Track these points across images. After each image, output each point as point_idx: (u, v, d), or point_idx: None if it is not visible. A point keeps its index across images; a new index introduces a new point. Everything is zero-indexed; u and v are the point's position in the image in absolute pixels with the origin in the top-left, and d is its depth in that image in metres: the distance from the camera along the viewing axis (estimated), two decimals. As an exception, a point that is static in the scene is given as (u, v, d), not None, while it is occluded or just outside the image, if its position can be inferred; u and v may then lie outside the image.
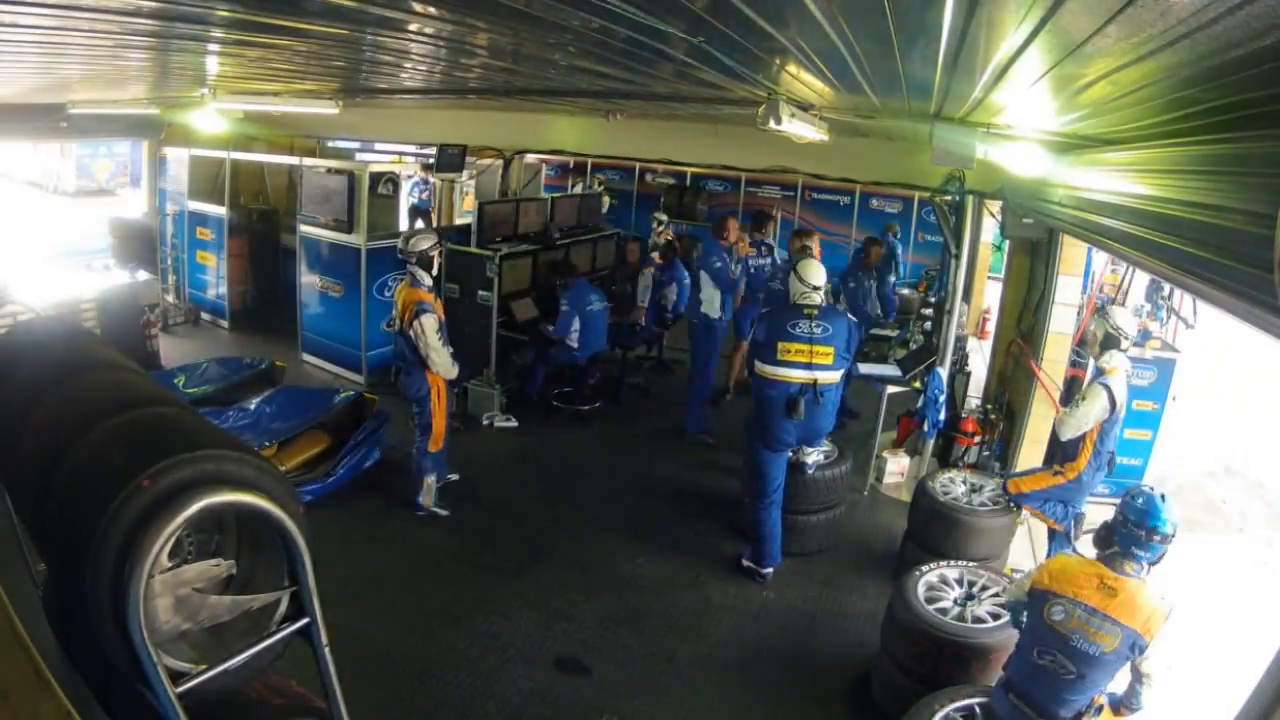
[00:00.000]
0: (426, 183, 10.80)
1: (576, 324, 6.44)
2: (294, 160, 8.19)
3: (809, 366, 4.35)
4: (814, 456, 4.84)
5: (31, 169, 16.49)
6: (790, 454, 4.64)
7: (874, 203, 12.28)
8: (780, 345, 4.36)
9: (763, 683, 3.79)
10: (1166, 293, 7.48)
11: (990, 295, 10.19)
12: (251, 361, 6.53)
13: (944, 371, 5.73)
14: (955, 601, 3.63)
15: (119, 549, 1.36)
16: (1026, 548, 5.18)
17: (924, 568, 3.79)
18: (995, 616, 3.50)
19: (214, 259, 8.68)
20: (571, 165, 12.98)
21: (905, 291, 10.32)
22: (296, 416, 5.48)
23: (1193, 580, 5.00)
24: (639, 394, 7.53)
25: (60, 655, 1.74)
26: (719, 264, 6.41)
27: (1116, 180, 2.42)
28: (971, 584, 3.72)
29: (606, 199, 11.43)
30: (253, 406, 5.55)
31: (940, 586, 3.71)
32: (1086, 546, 3.62)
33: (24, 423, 1.72)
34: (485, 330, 6.70)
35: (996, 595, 3.63)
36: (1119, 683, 2.76)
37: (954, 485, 4.74)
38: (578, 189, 11.86)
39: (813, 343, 4.36)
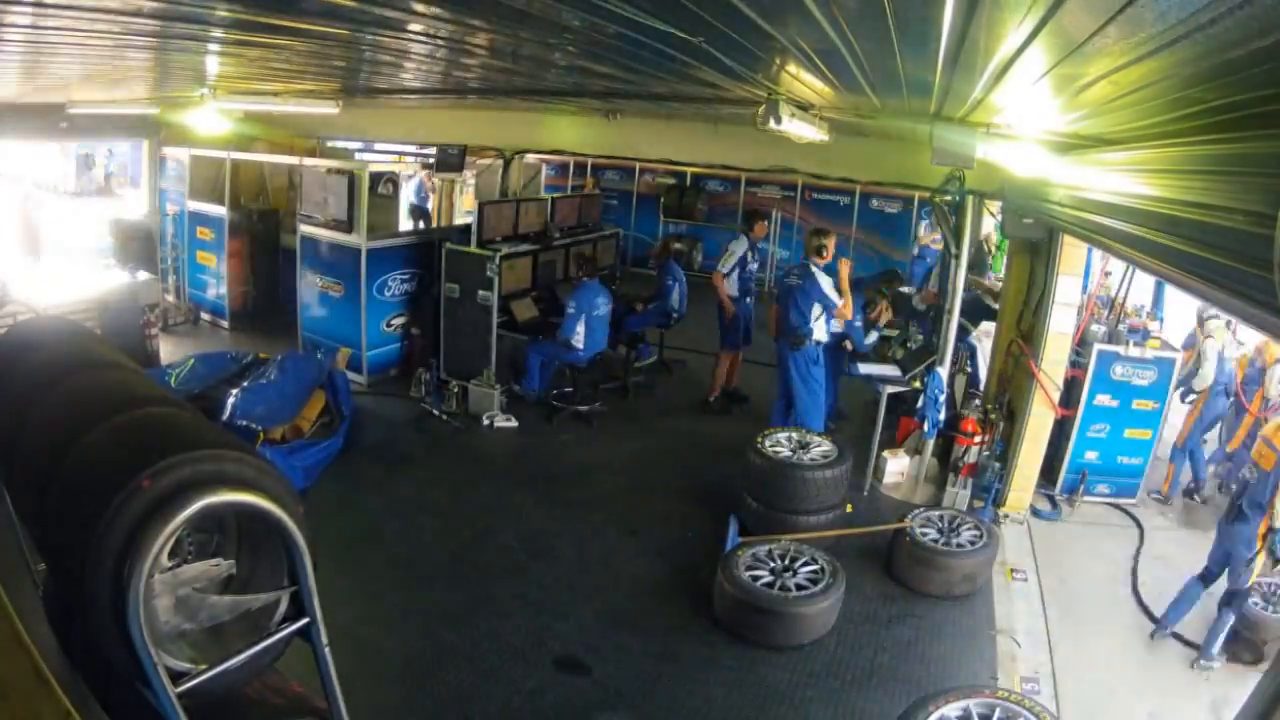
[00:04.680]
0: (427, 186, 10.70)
1: (582, 325, 6.44)
2: (294, 160, 8.18)
3: None
4: None
5: (33, 169, 16.50)
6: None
7: (874, 203, 12.28)
8: None
9: (763, 681, 3.79)
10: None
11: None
12: (236, 355, 6.48)
13: (944, 371, 5.73)
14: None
15: (119, 549, 1.36)
16: (1027, 546, 5.19)
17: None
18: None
19: (214, 259, 8.66)
20: (572, 165, 12.97)
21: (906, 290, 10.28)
22: (307, 379, 5.82)
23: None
24: (639, 393, 7.52)
25: (60, 655, 1.74)
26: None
27: (1116, 180, 2.42)
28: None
29: None
30: (275, 376, 5.67)
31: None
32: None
33: (24, 422, 1.72)
34: (485, 330, 6.70)
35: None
36: None
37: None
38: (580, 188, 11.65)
39: None
